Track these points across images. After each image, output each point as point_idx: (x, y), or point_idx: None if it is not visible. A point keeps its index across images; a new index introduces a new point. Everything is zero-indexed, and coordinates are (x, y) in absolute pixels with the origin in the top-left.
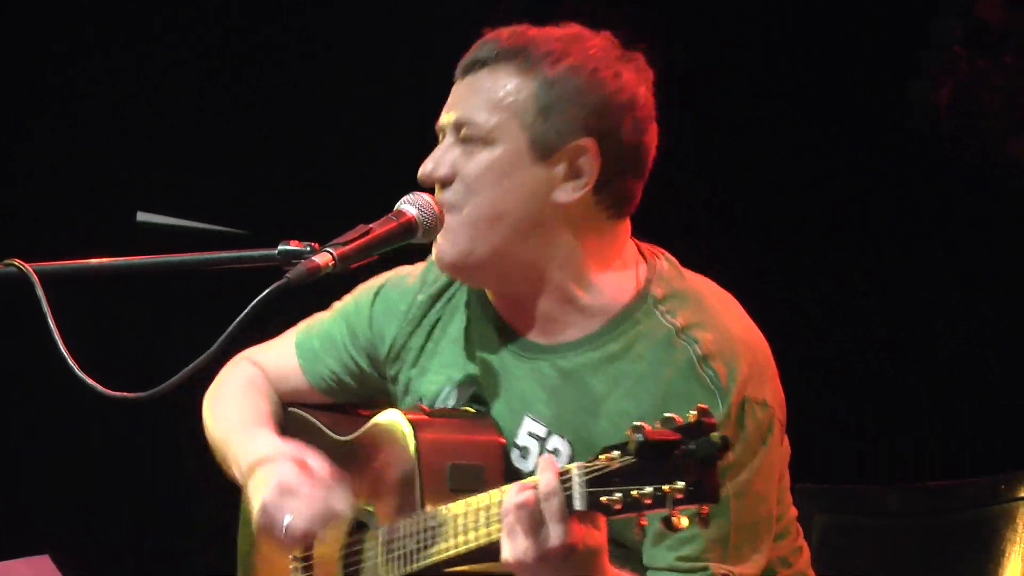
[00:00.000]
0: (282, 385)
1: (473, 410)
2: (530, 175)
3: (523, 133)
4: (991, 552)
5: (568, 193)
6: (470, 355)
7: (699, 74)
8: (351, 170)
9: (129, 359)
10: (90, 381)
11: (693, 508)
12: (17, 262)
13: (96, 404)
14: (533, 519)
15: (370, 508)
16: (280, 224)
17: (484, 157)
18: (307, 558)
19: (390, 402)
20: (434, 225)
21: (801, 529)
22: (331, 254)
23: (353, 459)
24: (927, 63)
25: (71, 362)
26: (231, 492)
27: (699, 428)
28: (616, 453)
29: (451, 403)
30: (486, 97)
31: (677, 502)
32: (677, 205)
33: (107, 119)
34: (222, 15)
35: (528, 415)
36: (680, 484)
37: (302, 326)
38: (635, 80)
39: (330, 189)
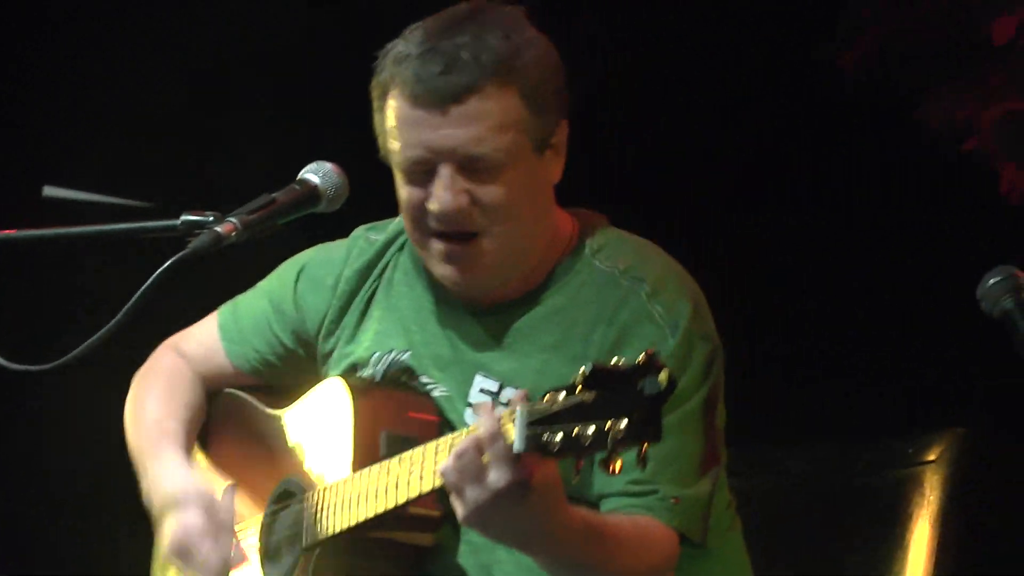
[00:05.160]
0: (208, 369)
1: (415, 386)
2: (537, 173)
3: (528, 141)
4: (899, 516)
5: (555, 173)
6: (408, 325)
7: (615, 38)
8: (258, 142)
9: (31, 332)
10: None
11: (634, 447)
12: None
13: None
14: (476, 467)
15: (298, 477)
16: (187, 197)
17: (505, 180)
18: None
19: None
20: (338, 194)
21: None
22: (234, 223)
23: (288, 430)
24: (838, 27)
25: None
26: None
27: (647, 369)
28: (562, 394)
29: (382, 369)
30: (491, 124)
31: (619, 441)
32: (595, 169)
33: (9, 92)
34: None
35: (479, 374)
36: (623, 422)
37: (225, 308)
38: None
39: (237, 162)
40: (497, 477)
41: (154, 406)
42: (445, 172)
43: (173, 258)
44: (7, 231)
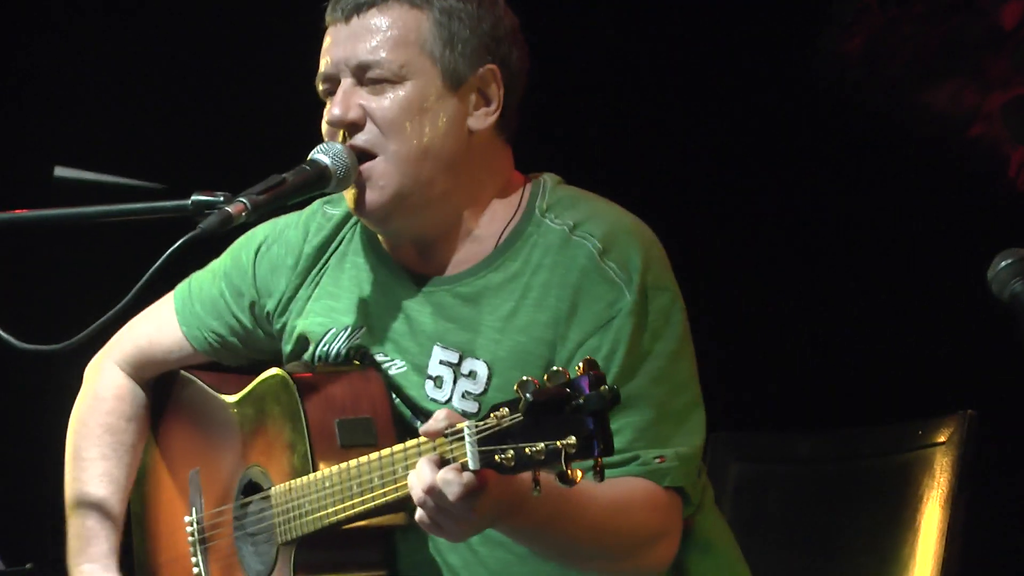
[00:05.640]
0: (163, 356)
1: (357, 363)
2: (446, 107)
3: (434, 66)
4: (908, 498)
5: (481, 120)
6: (363, 301)
7: (606, 22)
8: (267, 122)
9: (43, 313)
10: (3, 334)
11: (589, 460)
12: None
13: (9, 357)
14: (444, 510)
15: (262, 468)
16: (195, 177)
17: (400, 96)
18: (200, 520)
19: (276, 361)
20: (348, 174)
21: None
22: (244, 203)
23: (243, 419)
24: (839, 12)
25: None
26: None
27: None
28: (505, 411)
29: (338, 346)
30: (388, 36)
31: (570, 457)
32: (587, 150)
33: (17, 72)
34: None
35: (437, 345)
36: (572, 439)
37: (179, 291)
38: (506, 6)
39: (245, 142)
40: (463, 504)
41: (98, 472)
42: (344, 82)
43: (183, 238)
44: (17, 211)
